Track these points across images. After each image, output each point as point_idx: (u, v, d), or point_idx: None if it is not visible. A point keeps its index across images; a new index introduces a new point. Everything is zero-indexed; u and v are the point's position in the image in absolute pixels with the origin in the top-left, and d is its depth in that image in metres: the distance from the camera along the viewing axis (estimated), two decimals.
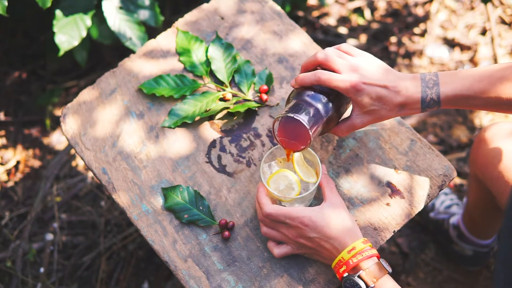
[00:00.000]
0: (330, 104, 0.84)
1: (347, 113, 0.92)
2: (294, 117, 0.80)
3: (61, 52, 1.29)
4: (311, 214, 0.82)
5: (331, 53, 0.85)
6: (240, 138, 1.01)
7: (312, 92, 0.84)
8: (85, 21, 1.30)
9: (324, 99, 0.83)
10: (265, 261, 0.90)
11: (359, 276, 0.78)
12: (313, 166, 0.90)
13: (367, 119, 0.86)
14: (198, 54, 1.08)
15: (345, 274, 0.79)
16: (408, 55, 1.85)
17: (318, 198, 0.93)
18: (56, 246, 1.52)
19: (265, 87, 1.03)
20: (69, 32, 1.29)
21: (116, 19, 1.33)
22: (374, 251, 0.80)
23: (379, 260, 0.80)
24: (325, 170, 0.90)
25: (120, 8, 1.33)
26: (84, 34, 1.30)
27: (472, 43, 1.85)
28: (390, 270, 0.80)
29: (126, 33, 1.34)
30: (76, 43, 1.30)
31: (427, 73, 0.84)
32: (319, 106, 0.83)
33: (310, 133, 0.81)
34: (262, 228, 0.87)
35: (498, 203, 1.07)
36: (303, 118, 0.80)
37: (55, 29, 1.28)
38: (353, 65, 0.84)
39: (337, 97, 0.85)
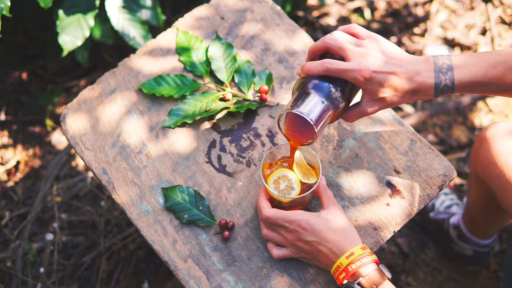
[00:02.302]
0: (339, 94, 0.80)
1: (356, 99, 0.89)
2: (299, 114, 0.77)
3: (65, 53, 1.29)
4: (309, 217, 0.82)
5: (340, 38, 0.81)
6: (240, 138, 1.01)
7: (319, 82, 0.80)
8: (88, 21, 1.30)
9: (332, 88, 0.80)
10: (265, 261, 0.90)
11: (359, 283, 0.77)
12: (313, 166, 0.90)
13: (378, 106, 0.82)
14: (198, 54, 1.08)
15: (345, 281, 0.79)
16: None
17: (318, 205, 0.93)
18: (56, 246, 1.52)
19: (265, 87, 1.03)
20: (72, 32, 1.29)
21: (119, 18, 1.33)
22: (374, 257, 0.80)
23: (378, 266, 0.80)
24: (324, 181, 0.90)
25: (123, 7, 1.33)
26: (87, 34, 1.30)
27: (472, 43, 1.85)
28: (390, 276, 0.79)
29: (130, 33, 1.34)
30: (79, 43, 1.30)
31: (440, 56, 0.81)
32: (327, 98, 0.79)
33: (316, 129, 0.78)
34: (263, 230, 0.87)
35: (499, 202, 1.07)
36: (308, 113, 0.77)
37: (58, 30, 1.28)
38: (362, 52, 0.80)
39: (345, 85, 0.81)
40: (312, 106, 0.78)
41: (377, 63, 0.79)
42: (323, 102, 0.79)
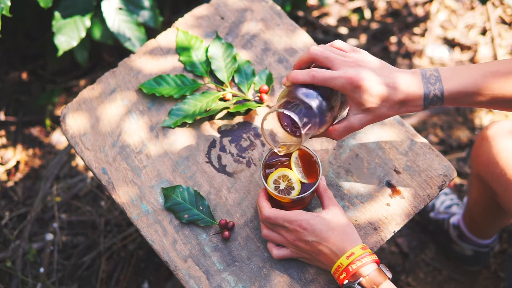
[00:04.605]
0: (325, 104, 0.78)
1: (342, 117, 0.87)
2: (285, 112, 0.75)
3: (60, 52, 1.29)
4: (309, 217, 0.82)
5: (325, 49, 0.80)
6: (240, 138, 1.00)
7: (305, 90, 0.78)
8: (85, 21, 1.30)
9: (319, 97, 0.78)
10: (265, 261, 0.89)
11: (359, 283, 0.77)
12: (313, 166, 0.90)
13: (366, 119, 0.79)
14: (198, 54, 1.08)
15: (345, 281, 0.79)
16: (408, 55, 1.85)
17: (318, 205, 0.93)
18: (56, 246, 1.52)
19: (265, 87, 1.03)
20: (68, 33, 1.30)
21: (115, 20, 1.33)
22: (374, 257, 0.80)
23: (379, 266, 0.80)
24: (324, 181, 0.90)
25: (120, 9, 1.33)
26: (83, 34, 1.30)
27: (472, 43, 1.85)
28: (390, 275, 0.79)
29: (126, 34, 1.34)
30: (75, 43, 1.30)
31: (427, 69, 0.80)
32: (313, 104, 0.77)
33: (303, 131, 0.76)
34: (263, 230, 0.87)
35: (500, 202, 1.07)
36: (294, 115, 0.75)
37: (54, 30, 1.29)
38: (348, 61, 0.78)
39: (332, 95, 0.80)
40: (298, 111, 0.76)
41: (364, 72, 0.77)
42: (309, 109, 0.77)
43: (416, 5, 1.97)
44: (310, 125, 0.77)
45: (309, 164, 0.88)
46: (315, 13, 1.98)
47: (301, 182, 0.86)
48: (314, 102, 0.77)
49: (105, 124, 1.03)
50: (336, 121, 0.83)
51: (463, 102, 0.80)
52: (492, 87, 0.77)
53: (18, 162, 1.70)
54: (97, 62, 1.84)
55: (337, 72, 0.77)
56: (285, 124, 0.84)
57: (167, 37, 1.11)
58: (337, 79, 0.77)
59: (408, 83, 0.78)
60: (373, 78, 0.77)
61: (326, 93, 0.79)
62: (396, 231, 0.91)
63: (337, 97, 0.81)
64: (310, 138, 0.82)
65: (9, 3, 1.03)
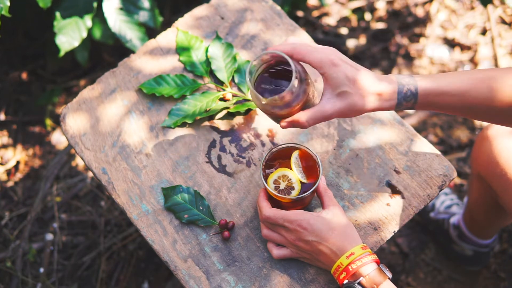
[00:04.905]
0: (303, 74, 0.76)
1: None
2: (276, 53, 0.75)
3: (62, 53, 1.30)
4: (309, 217, 0.82)
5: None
6: (240, 138, 1.00)
7: (279, 67, 0.78)
8: (86, 22, 1.30)
9: (296, 65, 0.76)
10: (265, 261, 0.90)
11: (359, 283, 0.78)
12: (313, 166, 0.90)
13: (339, 104, 0.76)
14: (198, 54, 1.08)
15: (345, 281, 0.79)
16: (408, 55, 1.85)
17: (318, 205, 0.93)
18: (56, 246, 1.52)
19: None
20: (69, 33, 1.30)
21: (116, 20, 1.34)
22: (374, 257, 0.80)
23: (379, 265, 0.80)
24: (324, 181, 0.90)
25: (121, 9, 1.33)
26: (84, 34, 1.30)
27: (472, 43, 1.85)
28: (390, 275, 0.79)
29: (127, 34, 1.34)
30: (76, 43, 1.30)
31: (400, 74, 0.80)
32: (293, 66, 0.74)
33: (293, 79, 0.73)
34: (263, 230, 0.87)
35: (500, 201, 1.07)
36: (289, 58, 0.74)
37: (55, 30, 1.29)
38: (326, 49, 0.78)
39: (306, 74, 0.78)
40: (272, 83, 0.78)
41: (342, 55, 0.77)
42: (289, 66, 0.76)
43: (416, 5, 1.97)
44: (296, 80, 0.75)
45: (309, 164, 0.88)
46: (315, 13, 1.98)
47: (301, 182, 0.86)
48: (294, 65, 0.75)
49: (105, 124, 1.03)
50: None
51: (438, 104, 0.78)
52: (467, 89, 0.77)
53: (18, 162, 1.70)
54: (97, 62, 1.84)
55: (317, 47, 0.77)
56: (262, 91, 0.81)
57: (167, 37, 1.11)
58: (316, 53, 0.76)
59: (382, 78, 0.78)
60: (350, 63, 0.77)
61: (303, 69, 0.78)
62: (396, 231, 0.91)
63: (311, 82, 0.80)
64: (278, 116, 0.79)
65: (8, 3, 1.03)
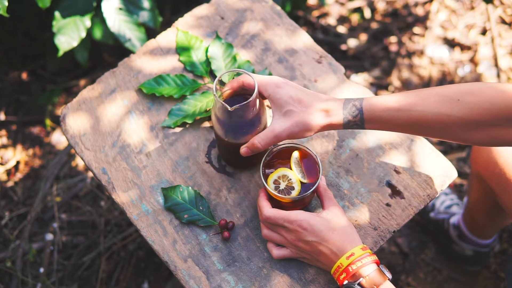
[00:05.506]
0: (251, 109, 0.82)
1: None
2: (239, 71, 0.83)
3: (61, 53, 1.29)
4: (309, 217, 0.82)
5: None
6: None
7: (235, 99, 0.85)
8: (85, 22, 1.30)
9: (246, 102, 0.81)
10: (265, 261, 0.89)
11: (359, 284, 0.78)
12: (313, 167, 0.90)
13: (286, 123, 0.81)
14: (198, 54, 1.08)
15: (345, 282, 0.79)
16: (408, 55, 1.85)
17: (318, 205, 0.93)
18: (56, 246, 1.52)
19: None
20: (68, 33, 1.30)
21: (115, 20, 1.33)
22: (374, 257, 0.80)
23: (379, 266, 0.80)
24: (324, 181, 0.90)
25: (120, 9, 1.33)
26: (83, 35, 1.30)
27: (472, 43, 1.85)
28: (390, 276, 0.79)
29: (126, 34, 1.34)
30: (75, 43, 1.30)
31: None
32: (242, 106, 0.80)
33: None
34: (263, 230, 0.87)
35: (500, 202, 1.07)
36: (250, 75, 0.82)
37: (54, 30, 1.29)
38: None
39: (260, 104, 0.85)
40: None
41: (288, 80, 0.84)
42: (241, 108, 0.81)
43: (416, 5, 1.97)
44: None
45: (309, 164, 0.88)
46: (315, 13, 1.98)
47: (301, 182, 0.86)
48: (243, 105, 0.80)
49: (105, 124, 1.03)
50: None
51: (384, 119, 0.80)
52: (413, 103, 0.78)
53: (18, 162, 1.70)
54: (97, 62, 1.84)
55: (264, 76, 0.84)
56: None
57: (167, 37, 1.11)
58: (262, 78, 0.83)
59: (329, 97, 0.83)
60: (295, 85, 0.83)
61: (256, 103, 0.84)
62: (396, 231, 0.91)
63: (265, 109, 0.87)
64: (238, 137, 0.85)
65: (6, 3, 1.03)
